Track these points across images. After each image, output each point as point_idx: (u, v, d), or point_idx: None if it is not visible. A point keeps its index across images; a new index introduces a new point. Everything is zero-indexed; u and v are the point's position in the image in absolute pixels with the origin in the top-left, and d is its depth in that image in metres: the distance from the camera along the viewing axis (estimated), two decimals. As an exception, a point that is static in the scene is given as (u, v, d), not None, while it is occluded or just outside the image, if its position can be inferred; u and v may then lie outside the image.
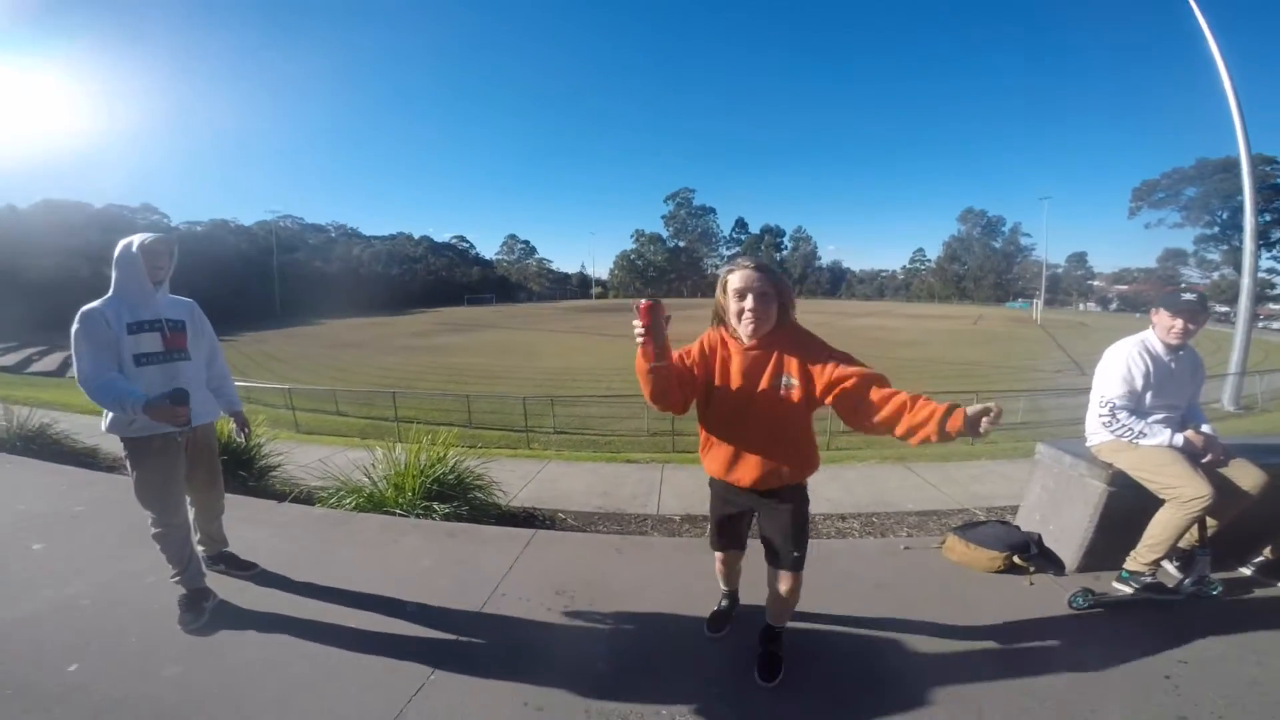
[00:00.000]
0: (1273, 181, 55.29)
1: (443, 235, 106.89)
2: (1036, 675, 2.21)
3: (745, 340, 1.97)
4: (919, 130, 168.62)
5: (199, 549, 2.88)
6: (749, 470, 2.01)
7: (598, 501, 5.93)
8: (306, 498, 4.35)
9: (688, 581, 2.91)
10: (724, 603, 2.60)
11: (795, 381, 1.89)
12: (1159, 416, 2.71)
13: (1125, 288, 77.56)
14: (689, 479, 6.83)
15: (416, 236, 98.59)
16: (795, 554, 2.06)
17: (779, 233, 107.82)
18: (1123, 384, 2.70)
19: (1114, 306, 74.91)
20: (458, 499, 3.97)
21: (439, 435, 4.44)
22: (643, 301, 1.76)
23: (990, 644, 2.42)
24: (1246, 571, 2.98)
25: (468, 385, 18.85)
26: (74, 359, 2.33)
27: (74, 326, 2.33)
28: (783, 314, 1.96)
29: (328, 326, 48.54)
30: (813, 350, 1.92)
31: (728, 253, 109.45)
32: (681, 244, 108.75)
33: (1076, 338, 34.59)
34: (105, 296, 2.42)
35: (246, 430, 3.04)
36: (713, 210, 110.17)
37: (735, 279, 1.92)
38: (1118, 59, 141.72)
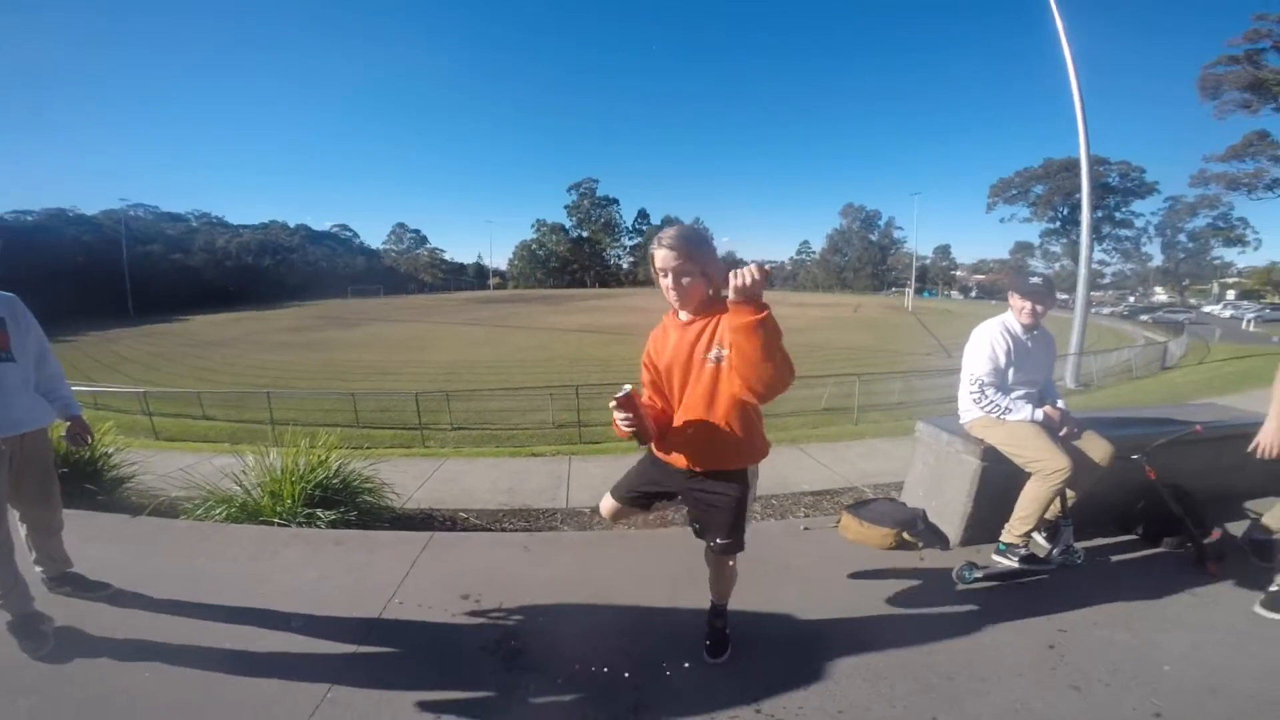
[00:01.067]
0: (1103, 180, 62.23)
1: (322, 224, 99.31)
2: (935, 645, 2.32)
3: (681, 316, 1.97)
4: (804, 126, 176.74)
5: (37, 569, 2.55)
6: (684, 450, 1.98)
7: (502, 498, 5.76)
8: (168, 509, 3.89)
9: (603, 575, 2.87)
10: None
11: (727, 352, 1.77)
12: (1020, 393, 2.96)
13: (982, 277, 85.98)
14: (598, 469, 6.79)
15: (292, 225, 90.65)
16: (725, 541, 2.03)
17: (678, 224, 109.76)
18: (988, 362, 2.93)
19: (974, 294, 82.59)
20: (345, 504, 3.70)
21: (320, 437, 4.11)
22: (622, 393, 1.83)
23: (891, 619, 2.53)
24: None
25: (354, 382, 17.69)
26: None
27: None
28: (713, 286, 1.93)
29: (190, 323, 43.96)
30: None
31: (630, 243, 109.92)
32: (585, 234, 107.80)
33: (943, 323, 37.91)
34: None
35: (87, 438, 2.64)
36: (616, 201, 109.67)
37: (656, 257, 1.88)
38: (981, 60, 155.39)
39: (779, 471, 6.51)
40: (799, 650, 2.32)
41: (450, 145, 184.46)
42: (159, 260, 67.48)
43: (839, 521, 3.43)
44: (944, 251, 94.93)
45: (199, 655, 2.25)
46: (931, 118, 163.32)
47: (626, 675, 2.16)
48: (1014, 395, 2.96)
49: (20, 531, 2.46)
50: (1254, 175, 39.09)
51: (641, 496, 2.23)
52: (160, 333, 37.87)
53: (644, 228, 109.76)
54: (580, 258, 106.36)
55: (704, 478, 2.00)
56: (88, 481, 4.03)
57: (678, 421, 1.97)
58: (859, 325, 38.36)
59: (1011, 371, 2.96)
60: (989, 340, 2.95)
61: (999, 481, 3.02)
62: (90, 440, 2.71)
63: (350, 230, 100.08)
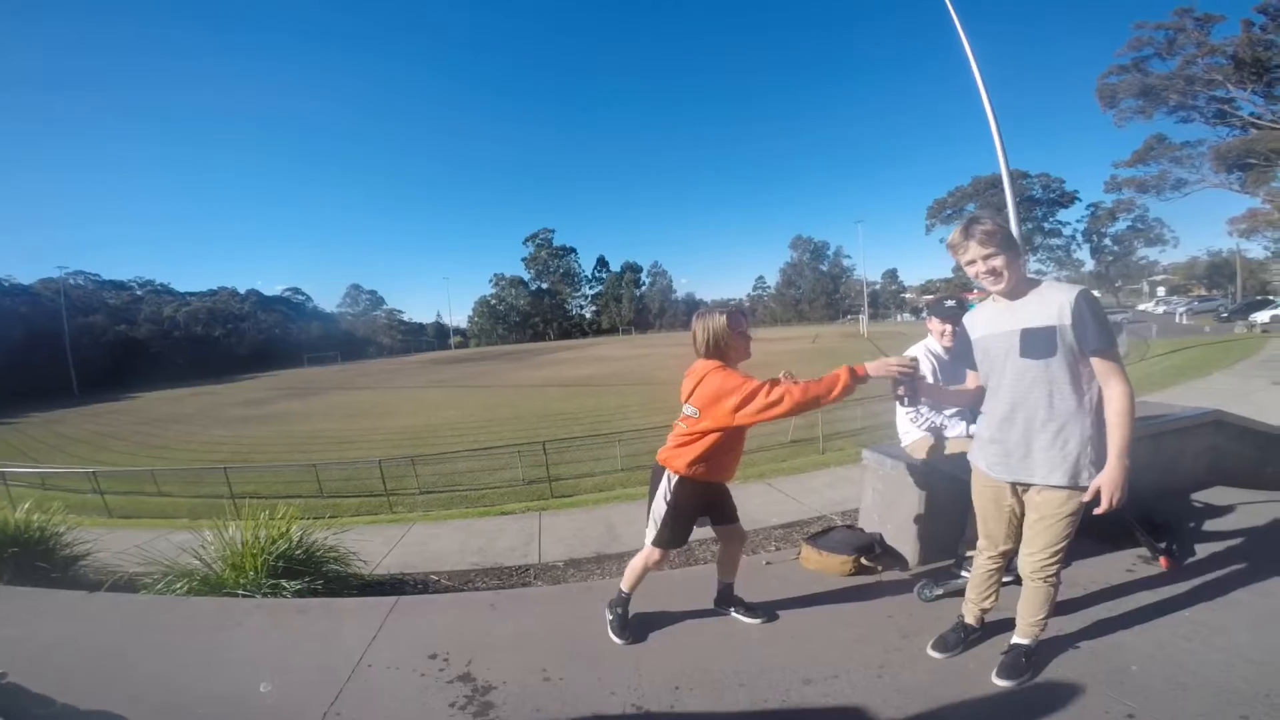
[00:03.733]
0: (1028, 193, 65.52)
1: (273, 288, 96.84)
2: (901, 671, 2.37)
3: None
4: (752, 161, 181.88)
5: None
6: (732, 469, 2.65)
7: (473, 558, 5.71)
8: (127, 585, 3.84)
9: (568, 627, 2.90)
10: (620, 610, 2.77)
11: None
12: (953, 411, 3.17)
13: (930, 297, 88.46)
14: (569, 522, 6.78)
15: (242, 291, 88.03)
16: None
17: (637, 269, 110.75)
18: None
19: (923, 315, 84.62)
20: (310, 574, 3.66)
21: (279, 509, 4.07)
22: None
23: (856, 647, 2.58)
24: None
25: (315, 453, 17.22)
26: None
27: None
28: None
29: (140, 400, 42.34)
30: None
31: (591, 292, 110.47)
32: (545, 286, 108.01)
33: (897, 346, 38.43)
34: None
35: None
36: (574, 250, 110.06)
37: (744, 328, 2.54)
38: (905, 85, 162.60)
39: (746, 508, 6.57)
40: (764, 684, 2.36)
41: (402, 200, 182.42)
42: (102, 332, 65.03)
43: (800, 553, 3.53)
44: (892, 275, 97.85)
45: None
46: (866, 146, 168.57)
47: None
48: (947, 414, 3.16)
49: None
50: (1159, 178, 40.52)
51: (690, 527, 2.68)
52: (109, 412, 36.33)
53: (603, 275, 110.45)
54: (541, 310, 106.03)
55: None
56: (40, 560, 3.97)
57: (725, 454, 2.56)
58: (818, 355, 39.03)
59: None
60: None
61: (948, 499, 3.15)
62: None
63: (303, 294, 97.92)
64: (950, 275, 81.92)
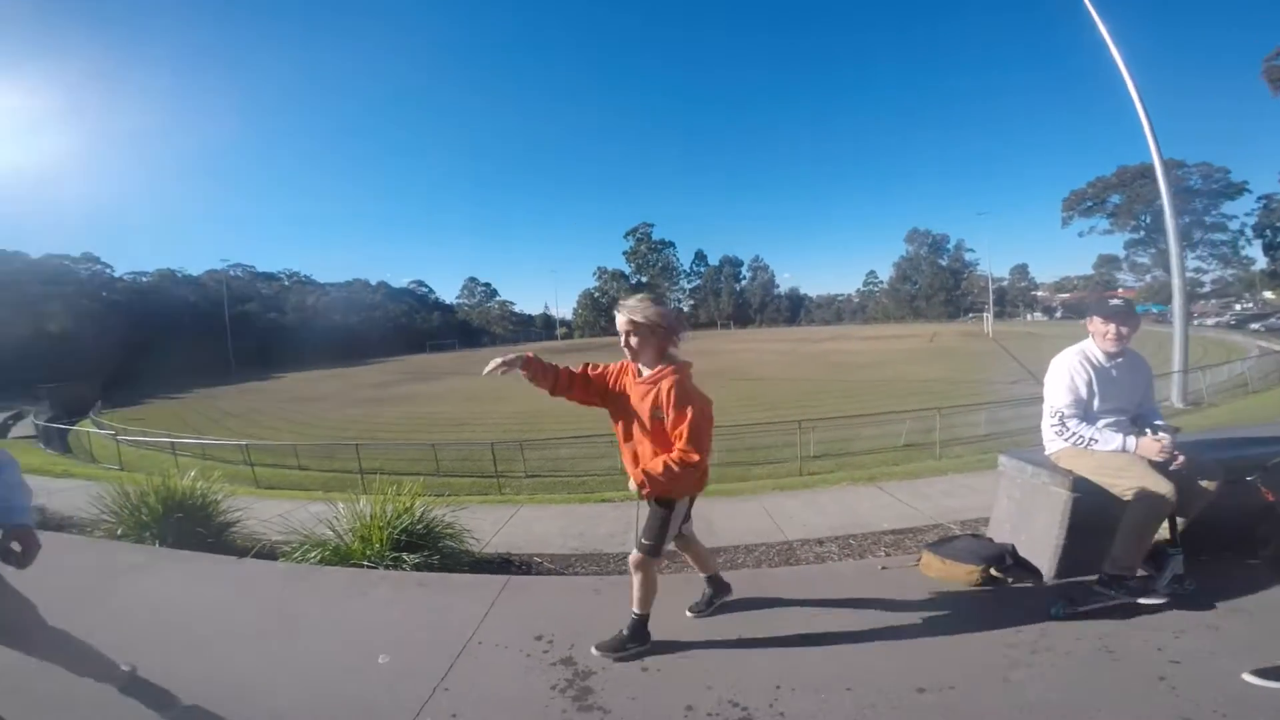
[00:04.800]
0: (1184, 184, 57.62)
1: (400, 280, 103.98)
2: (1029, 687, 2.20)
3: (640, 370, 2.41)
4: (862, 152, 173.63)
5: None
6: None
7: (574, 543, 5.83)
8: (269, 552, 4.22)
9: (669, 618, 2.86)
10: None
11: (664, 415, 2.31)
12: (1108, 421, 2.80)
13: (1067, 296, 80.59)
14: (665, 513, 6.76)
15: (373, 282, 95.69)
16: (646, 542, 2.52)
17: (737, 263, 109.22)
18: (1069, 393, 2.80)
19: (1059, 314, 77.26)
20: (428, 548, 3.88)
21: (404, 485, 4.34)
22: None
23: (979, 659, 2.41)
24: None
25: (434, 434, 18.44)
26: None
27: None
28: (662, 350, 2.37)
29: (284, 380, 47.16)
30: (674, 398, 2.28)
31: (689, 286, 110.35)
32: (644, 279, 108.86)
33: (1027, 348, 35.71)
34: None
35: (21, 553, 1.95)
36: (672, 244, 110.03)
37: (617, 321, 2.34)
38: (1035, 70, 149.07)
39: (855, 510, 6.30)
40: (875, 694, 2.24)
41: (515, 197, 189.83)
42: (256, 319, 72.92)
43: (919, 560, 3.31)
44: (1022, 271, 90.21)
45: (290, 693, 2.41)
46: (989, 136, 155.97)
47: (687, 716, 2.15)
48: (1101, 424, 2.80)
49: None
50: (1350, 165, 34.87)
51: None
52: (258, 390, 40.79)
53: (701, 269, 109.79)
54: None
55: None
56: (199, 525, 4.43)
57: (634, 457, 2.47)
58: (936, 355, 36.80)
59: (1096, 401, 2.81)
60: (1068, 370, 2.83)
61: (1094, 511, 2.85)
62: (26, 560, 1.95)
63: (426, 286, 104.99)
64: (1090, 272, 74.13)
